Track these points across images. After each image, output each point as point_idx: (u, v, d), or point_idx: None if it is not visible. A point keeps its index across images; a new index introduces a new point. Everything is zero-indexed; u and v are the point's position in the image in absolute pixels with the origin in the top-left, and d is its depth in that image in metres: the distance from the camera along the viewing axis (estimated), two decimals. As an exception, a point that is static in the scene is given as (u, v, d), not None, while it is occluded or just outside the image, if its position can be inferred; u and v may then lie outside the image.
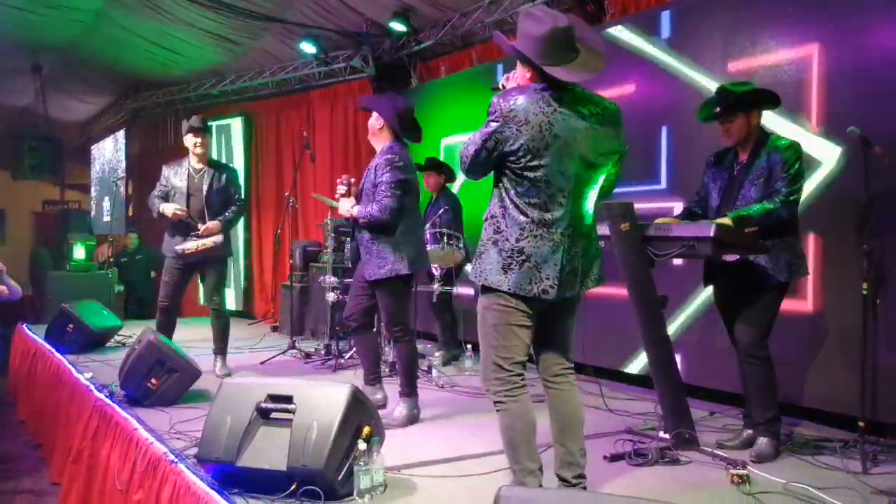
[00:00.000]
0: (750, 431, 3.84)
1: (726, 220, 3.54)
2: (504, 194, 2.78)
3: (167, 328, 5.59)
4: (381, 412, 4.28)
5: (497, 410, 2.83)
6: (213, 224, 5.54)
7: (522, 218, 2.72)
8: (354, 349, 5.79)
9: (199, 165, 5.66)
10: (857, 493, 3.14)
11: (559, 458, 2.91)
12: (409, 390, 4.37)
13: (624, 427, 4.13)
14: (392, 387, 5.05)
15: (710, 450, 3.69)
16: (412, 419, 4.33)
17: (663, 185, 5.29)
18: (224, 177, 5.67)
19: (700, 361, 4.87)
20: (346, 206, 4.42)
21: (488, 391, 2.86)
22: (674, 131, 5.21)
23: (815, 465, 3.55)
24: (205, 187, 5.59)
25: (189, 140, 5.62)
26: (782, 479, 3.29)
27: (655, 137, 5.29)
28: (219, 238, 5.52)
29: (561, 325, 2.96)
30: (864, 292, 3.58)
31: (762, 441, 3.72)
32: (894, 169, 3.63)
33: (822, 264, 4.26)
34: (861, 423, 3.55)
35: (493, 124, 2.73)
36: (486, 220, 2.86)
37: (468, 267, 5.10)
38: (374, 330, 4.64)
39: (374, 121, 4.41)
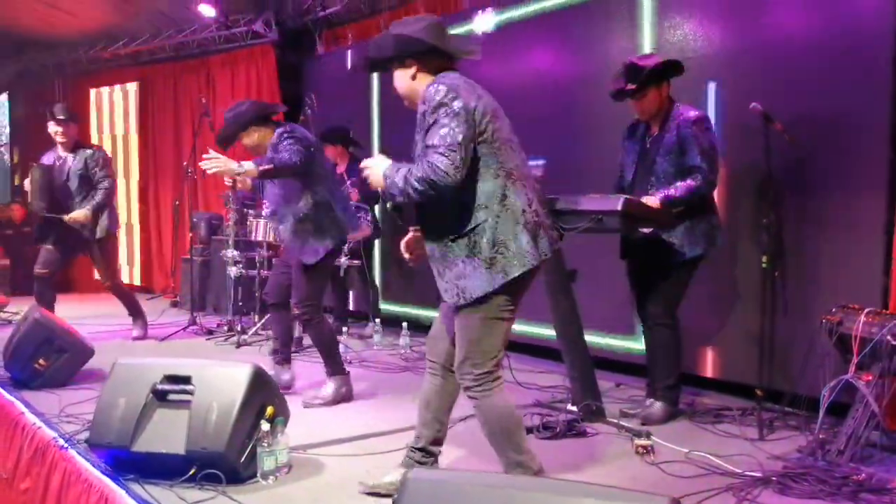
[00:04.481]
0: (651, 400, 3.93)
1: (653, 202, 3.59)
2: (487, 178, 2.54)
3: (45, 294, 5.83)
4: (311, 391, 4.27)
5: (476, 406, 2.67)
6: (78, 214, 5.66)
7: (518, 184, 2.58)
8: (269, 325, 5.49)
9: (63, 153, 5.86)
10: (754, 458, 3.24)
11: (434, 432, 2.86)
12: (333, 369, 4.23)
13: (532, 400, 4.15)
14: (304, 364, 4.97)
15: (615, 421, 3.75)
16: (340, 398, 4.20)
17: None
18: (83, 159, 5.78)
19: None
20: (234, 166, 3.92)
21: (467, 387, 2.65)
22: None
23: (715, 434, 3.66)
24: (66, 171, 5.77)
25: (51, 128, 5.81)
26: (684, 447, 3.36)
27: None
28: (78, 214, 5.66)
29: None
30: (763, 265, 3.69)
31: (656, 405, 3.84)
32: (793, 145, 3.73)
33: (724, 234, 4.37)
34: (758, 392, 3.67)
35: (455, 103, 2.49)
36: (466, 232, 2.54)
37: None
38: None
39: (247, 138, 4.22)
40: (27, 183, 5.76)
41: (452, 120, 2.48)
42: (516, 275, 2.51)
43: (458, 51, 2.74)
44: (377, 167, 2.62)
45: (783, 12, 4.14)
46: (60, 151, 5.86)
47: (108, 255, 6.01)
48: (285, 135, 4.07)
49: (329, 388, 4.21)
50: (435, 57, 2.69)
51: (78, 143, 5.94)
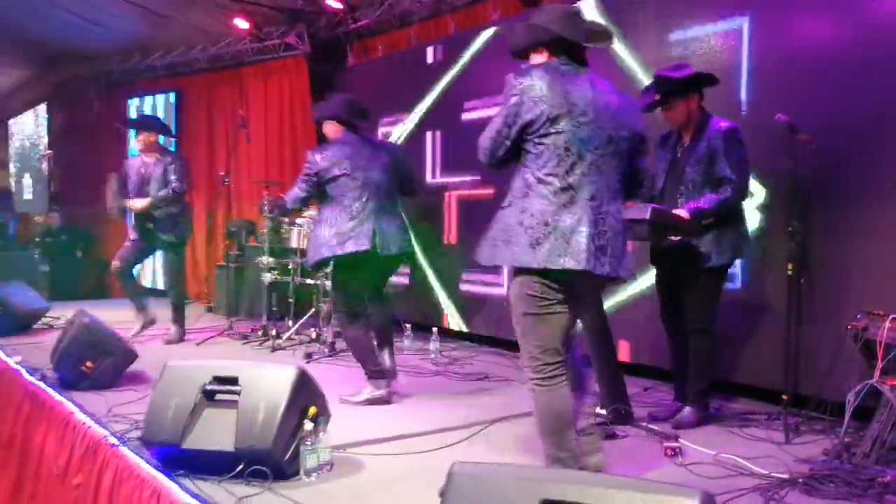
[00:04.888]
0: (679, 403, 4.02)
1: (683, 213, 3.68)
2: (525, 173, 2.78)
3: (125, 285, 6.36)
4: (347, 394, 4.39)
5: (533, 397, 2.83)
6: (136, 202, 6.12)
7: (545, 190, 2.72)
8: None
9: (149, 158, 6.23)
10: (781, 461, 3.32)
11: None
12: (366, 373, 4.40)
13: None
14: (338, 368, 5.10)
15: (644, 424, 3.84)
16: (374, 400, 4.35)
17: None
18: (163, 165, 6.15)
19: (638, 339, 5.03)
20: None
21: (529, 378, 2.84)
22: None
23: (743, 437, 3.74)
24: (149, 177, 6.17)
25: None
26: (712, 450, 3.45)
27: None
28: (136, 203, 6.12)
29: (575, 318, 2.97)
30: (789, 273, 3.77)
31: (686, 409, 3.93)
32: (819, 154, 3.82)
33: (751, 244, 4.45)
34: (784, 397, 3.75)
35: (513, 99, 2.73)
36: (504, 206, 2.84)
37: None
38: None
39: (326, 127, 4.58)
40: (107, 189, 6.24)
41: (501, 112, 2.78)
42: (496, 263, 2.82)
43: (585, 38, 2.89)
44: None
45: (810, 21, 4.22)
46: (145, 157, 6.24)
47: (178, 259, 6.39)
48: (310, 156, 4.41)
49: (365, 391, 4.36)
50: (563, 45, 2.85)
51: (160, 149, 6.34)
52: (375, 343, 4.55)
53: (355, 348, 4.44)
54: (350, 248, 4.26)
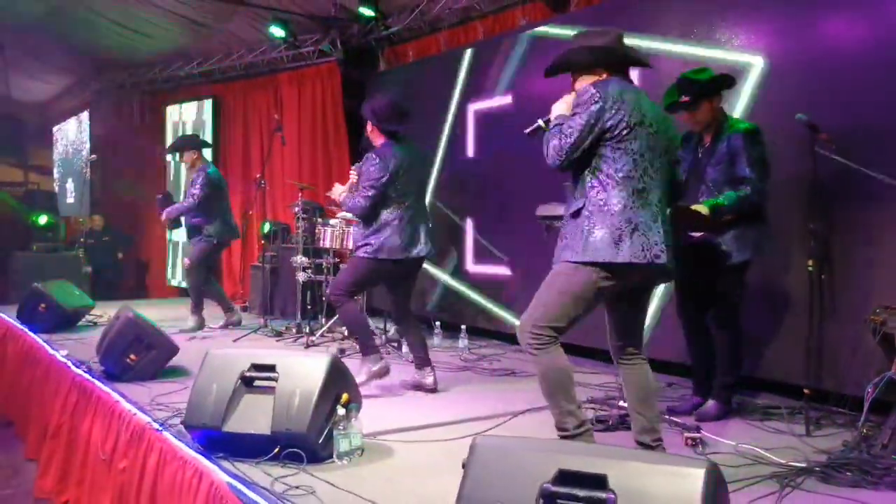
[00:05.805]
0: (698, 398, 4.11)
1: (702, 209, 3.77)
2: (599, 176, 2.94)
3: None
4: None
5: (533, 363, 3.03)
6: (164, 213, 6.94)
7: (624, 192, 2.91)
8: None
9: (192, 171, 6.95)
10: (800, 452, 3.40)
11: (638, 425, 3.11)
12: (363, 350, 4.59)
13: (586, 397, 4.35)
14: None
15: (666, 416, 3.93)
16: (373, 375, 4.50)
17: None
18: (192, 179, 6.76)
19: (661, 335, 5.11)
20: (338, 191, 4.74)
21: (523, 344, 3.03)
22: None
23: (764, 430, 3.82)
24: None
25: None
26: (733, 441, 3.54)
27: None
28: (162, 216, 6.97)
29: (637, 313, 3.18)
30: (809, 269, 3.84)
31: (710, 403, 4.02)
32: (838, 153, 3.88)
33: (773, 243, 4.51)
34: (806, 391, 3.82)
35: (595, 105, 2.90)
36: (576, 212, 2.97)
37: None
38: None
39: (369, 124, 4.71)
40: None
41: (580, 118, 2.93)
42: (587, 259, 2.89)
43: (637, 59, 3.23)
44: (557, 107, 3.11)
45: (832, 24, 4.30)
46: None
47: (197, 252, 6.84)
48: (376, 161, 4.47)
49: (363, 369, 4.47)
50: (619, 64, 3.11)
51: (202, 162, 6.92)
52: (415, 362, 4.73)
53: (353, 323, 4.66)
54: (410, 252, 4.50)
